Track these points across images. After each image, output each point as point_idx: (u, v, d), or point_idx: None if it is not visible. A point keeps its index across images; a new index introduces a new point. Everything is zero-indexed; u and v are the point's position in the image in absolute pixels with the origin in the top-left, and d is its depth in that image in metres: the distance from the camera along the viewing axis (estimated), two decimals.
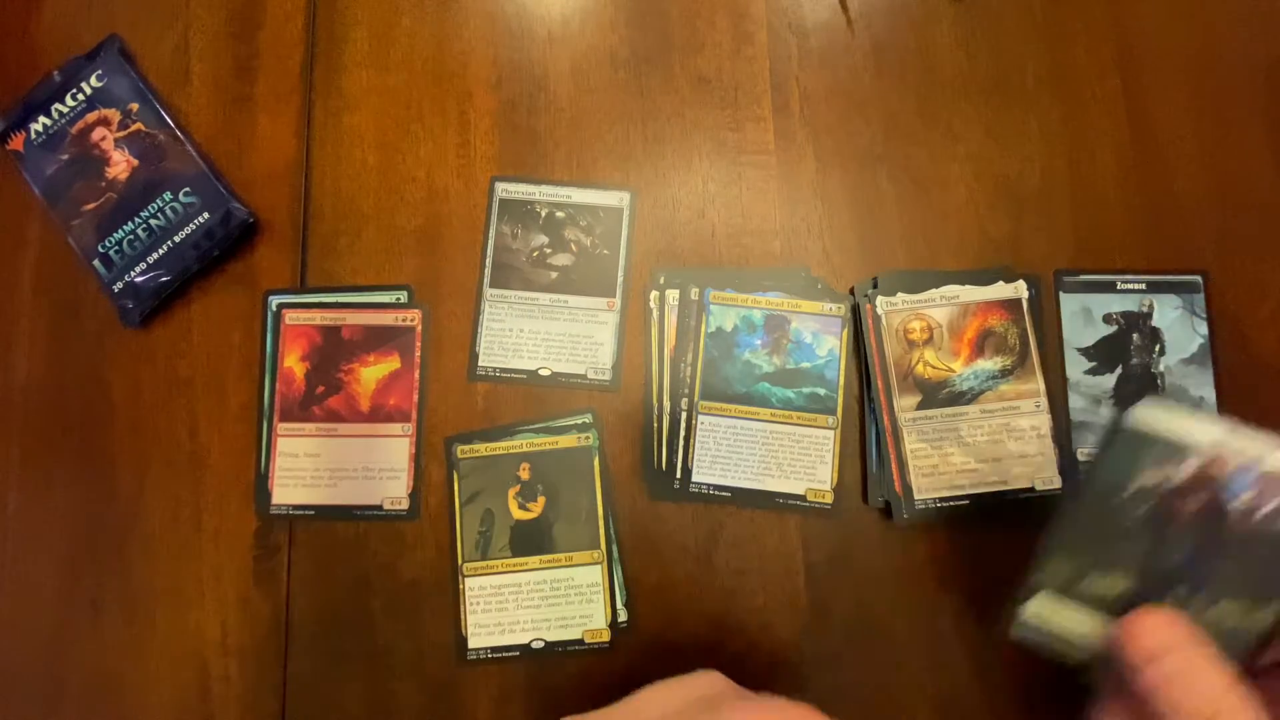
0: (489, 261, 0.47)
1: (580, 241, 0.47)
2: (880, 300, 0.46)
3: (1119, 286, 0.46)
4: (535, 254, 0.47)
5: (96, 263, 0.45)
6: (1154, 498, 0.31)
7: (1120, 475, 0.32)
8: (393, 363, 0.46)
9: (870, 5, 0.50)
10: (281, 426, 0.45)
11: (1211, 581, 0.31)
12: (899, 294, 0.46)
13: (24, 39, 0.49)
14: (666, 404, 0.45)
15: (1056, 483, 0.44)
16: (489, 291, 0.47)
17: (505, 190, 0.47)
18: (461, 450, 0.45)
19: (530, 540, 0.44)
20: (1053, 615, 0.33)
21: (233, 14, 0.50)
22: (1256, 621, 0.31)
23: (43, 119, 0.46)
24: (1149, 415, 0.31)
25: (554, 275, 0.47)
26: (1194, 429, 0.31)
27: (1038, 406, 0.45)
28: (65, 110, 0.46)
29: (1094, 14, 0.50)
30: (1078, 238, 0.47)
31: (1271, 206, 0.47)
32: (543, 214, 0.47)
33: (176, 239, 0.45)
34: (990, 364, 0.45)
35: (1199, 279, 0.46)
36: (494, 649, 0.43)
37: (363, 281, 0.47)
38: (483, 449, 0.45)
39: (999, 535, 0.44)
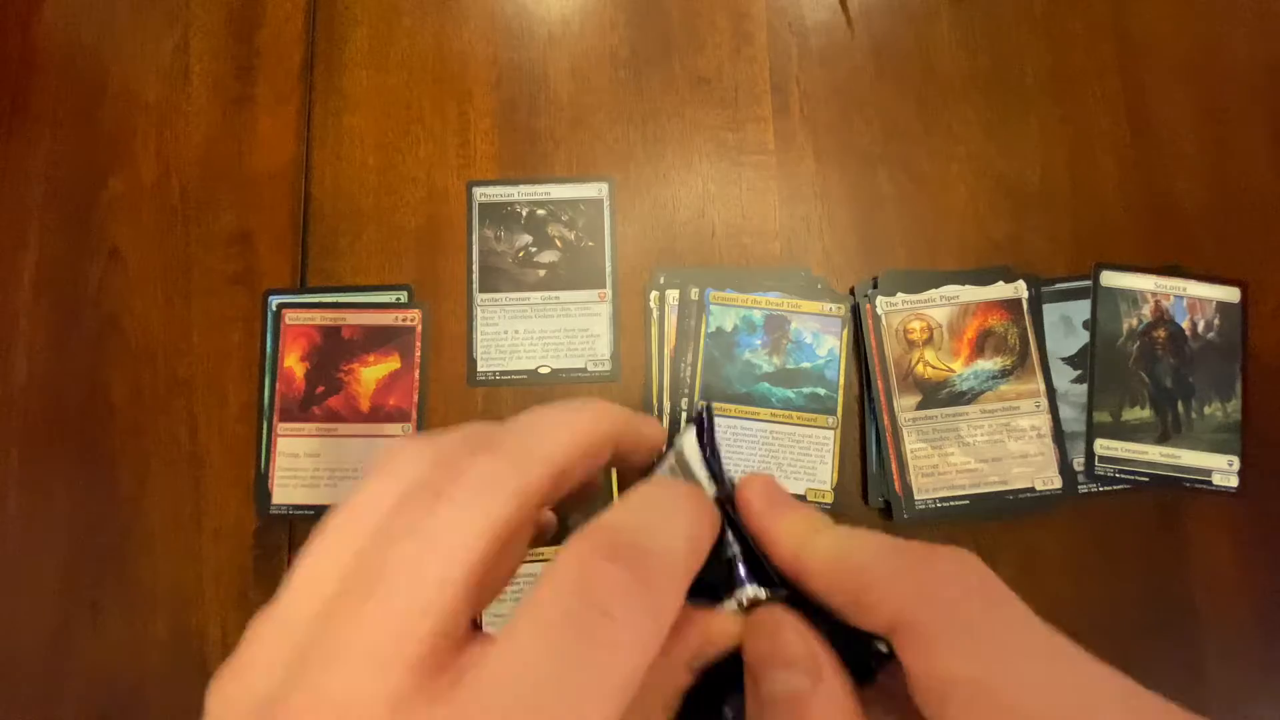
0: (475, 267, 0.47)
1: (564, 236, 0.47)
2: (880, 300, 0.46)
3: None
4: (520, 254, 0.47)
5: None
6: (1137, 338, 0.45)
7: (1114, 325, 0.45)
8: (393, 363, 0.46)
9: (870, 5, 0.50)
10: (281, 426, 0.45)
11: (1196, 391, 0.44)
12: (899, 294, 0.46)
13: (24, 39, 0.49)
14: (667, 404, 0.45)
15: (1057, 483, 0.44)
16: (479, 296, 0.47)
17: (483, 194, 0.47)
18: None
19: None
20: (1114, 448, 0.44)
21: (233, 14, 0.50)
22: (1232, 415, 0.44)
23: None
24: (1113, 276, 0.45)
25: (542, 273, 0.47)
26: (1140, 280, 0.45)
27: (1037, 406, 0.45)
28: None
29: (1094, 14, 0.50)
30: (1078, 238, 0.47)
31: (1272, 206, 0.47)
32: (523, 214, 0.47)
33: None
34: (990, 364, 0.45)
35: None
36: None
37: (363, 281, 0.47)
38: None
39: (999, 535, 0.44)
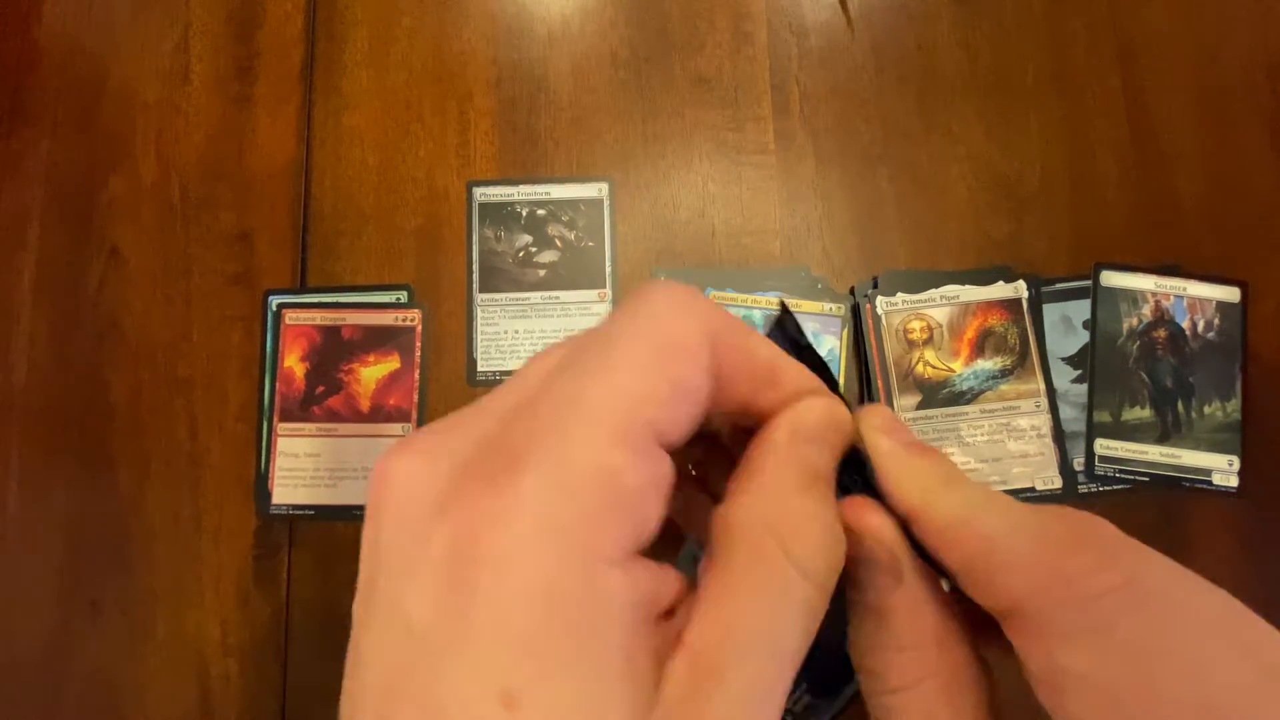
0: (475, 267, 0.47)
1: (564, 236, 0.47)
2: (880, 300, 0.46)
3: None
4: (520, 254, 0.47)
5: None
6: (1137, 337, 0.45)
7: (1114, 325, 0.45)
8: (393, 363, 0.46)
9: (870, 5, 0.50)
10: (281, 426, 0.45)
11: (1196, 391, 0.44)
12: (899, 294, 0.46)
13: (24, 39, 0.49)
14: None
15: (1057, 483, 0.44)
16: (479, 296, 0.47)
17: (484, 194, 0.47)
18: None
19: None
20: (1114, 448, 0.44)
21: (233, 14, 0.50)
22: (1232, 415, 0.44)
23: None
24: (1113, 276, 0.45)
25: (542, 273, 0.47)
26: (1140, 280, 0.45)
27: (1037, 406, 0.45)
28: None
29: (1094, 13, 0.50)
30: (1078, 238, 0.47)
31: (1272, 206, 0.47)
32: (523, 214, 0.47)
33: None
34: (990, 364, 0.45)
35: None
36: None
37: (363, 281, 0.47)
38: None
39: None
